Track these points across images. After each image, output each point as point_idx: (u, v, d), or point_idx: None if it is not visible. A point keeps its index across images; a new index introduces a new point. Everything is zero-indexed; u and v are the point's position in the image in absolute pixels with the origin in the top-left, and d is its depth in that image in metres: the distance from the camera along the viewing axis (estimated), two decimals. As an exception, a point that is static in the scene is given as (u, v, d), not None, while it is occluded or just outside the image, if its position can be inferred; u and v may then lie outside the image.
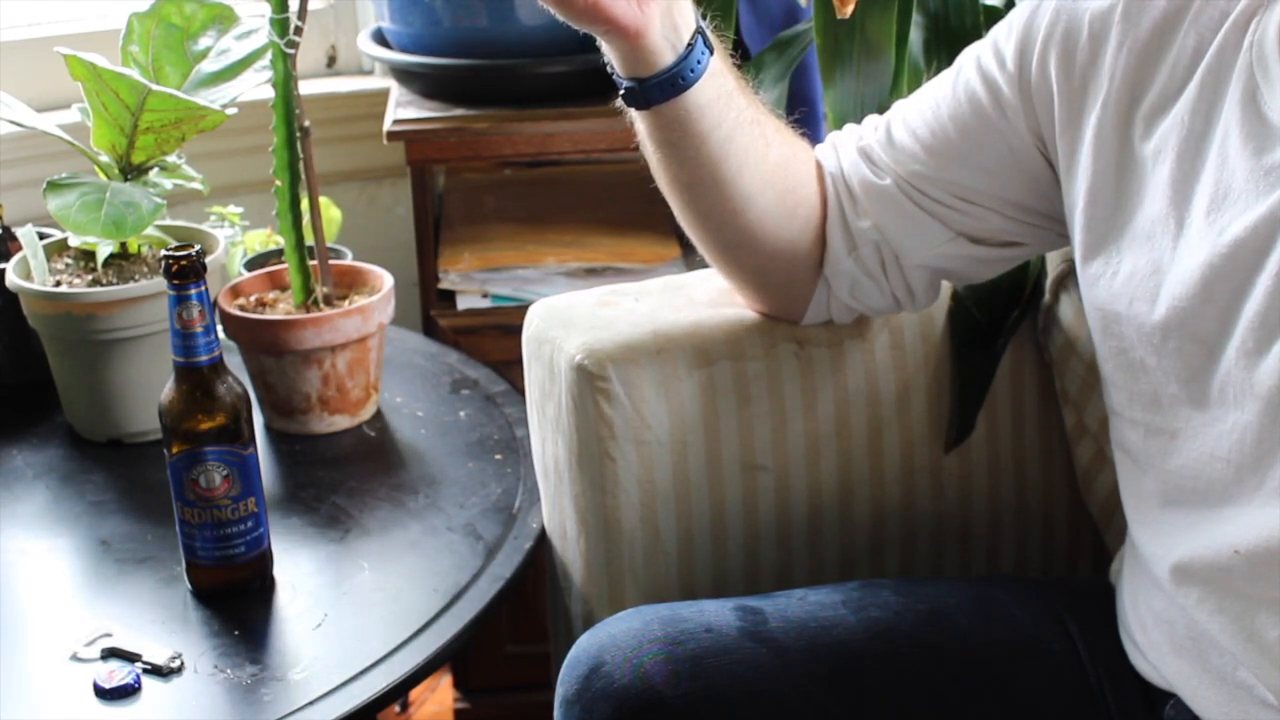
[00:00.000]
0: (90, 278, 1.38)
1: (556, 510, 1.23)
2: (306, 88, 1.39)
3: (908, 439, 1.23)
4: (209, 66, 1.40)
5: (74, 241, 1.42)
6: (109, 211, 1.29)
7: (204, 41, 1.41)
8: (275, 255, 1.57)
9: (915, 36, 1.28)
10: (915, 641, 1.04)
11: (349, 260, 1.52)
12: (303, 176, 1.38)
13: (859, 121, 1.17)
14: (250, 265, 1.56)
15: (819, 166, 1.14)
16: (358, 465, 1.36)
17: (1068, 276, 1.23)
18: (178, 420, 1.12)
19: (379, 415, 1.44)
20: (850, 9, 1.09)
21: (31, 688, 1.06)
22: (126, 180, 1.37)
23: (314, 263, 1.41)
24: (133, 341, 1.35)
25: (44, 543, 1.26)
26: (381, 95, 1.86)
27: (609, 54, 1.04)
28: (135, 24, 1.39)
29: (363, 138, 1.97)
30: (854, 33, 1.26)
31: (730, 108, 1.06)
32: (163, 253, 1.10)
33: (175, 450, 1.12)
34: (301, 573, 1.20)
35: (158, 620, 1.13)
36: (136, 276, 1.38)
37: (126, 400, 1.38)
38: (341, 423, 1.41)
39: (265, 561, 1.17)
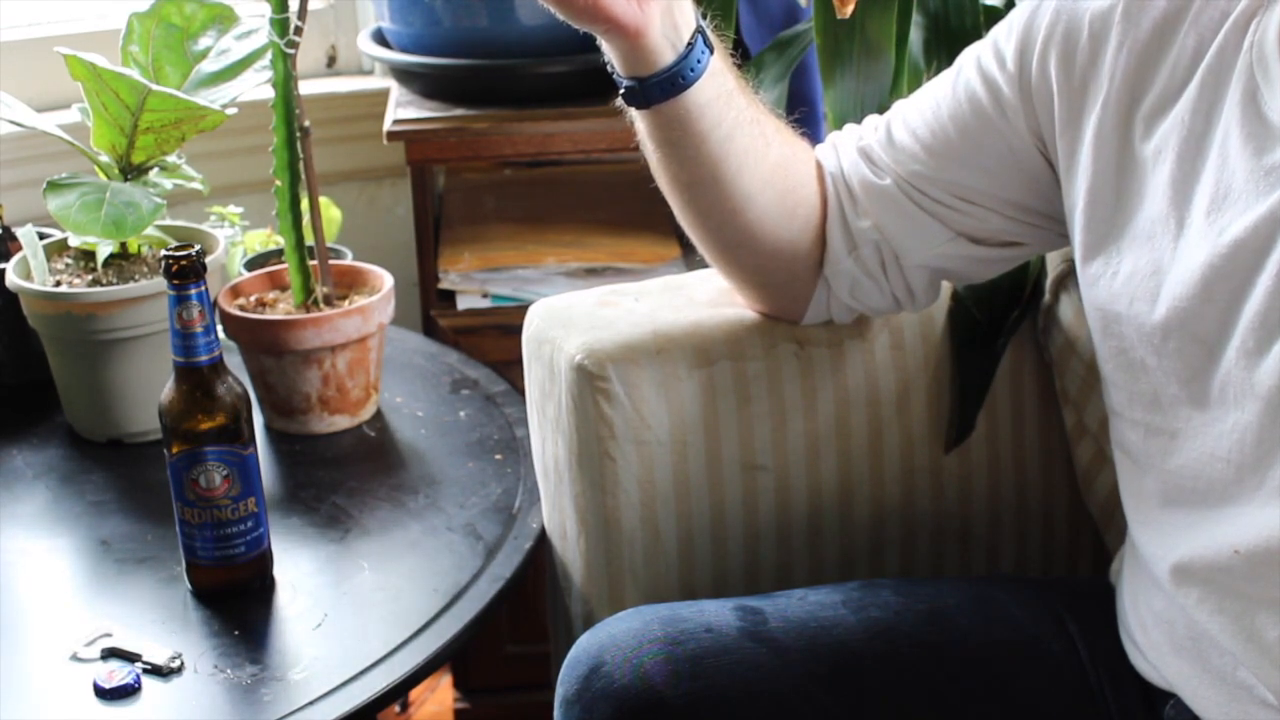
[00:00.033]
0: (90, 278, 1.38)
1: (556, 510, 1.23)
2: (306, 88, 1.39)
3: (908, 439, 1.23)
4: (209, 66, 1.40)
5: (74, 241, 1.42)
6: (109, 211, 1.29)
7: (204, 41, 1.41)
8: (275, 255, 1.57)
9: (915, 36, 1.28)
10: (915, 641, 1.04)
11: (349, 260, 1.52)
12: (303, 176, 1.38)
13: (859, 121, 1.17)
14: (250, 265, 1.56)
15: (819, 166, 1.14)
16: (358, 465, 1.36)
17: (1068, 276, 1.23)
18: (178, 420, 1.12)
19: (379, 415, 1.44)
20: (850, 9, 1.09)
21: (31, 688, 1.06)
22: (126, 180, 1.37)
23: (314, 263, 1.41)
24: (133, 341, 1.35)
25: (44, 543, 1.26)
26: (381, 95, 1.86)
27: (609, 53, 1.04)
28: (135, 24, 1.39)
29: (363, 138, 1.97)
30: (854, 33, 1.26)
31: (730, 107, 1.06)
32: (163, 253, 1.10)
33: (175, 450, 1.12)
34: (301, 573, 1.20)
35: (158, 620, 1.13)
36: (136, 276, 1.38)
37: (126, 400, 1.38)
38: (341, 423, 1.41)
39: (265, 561, 1.17)
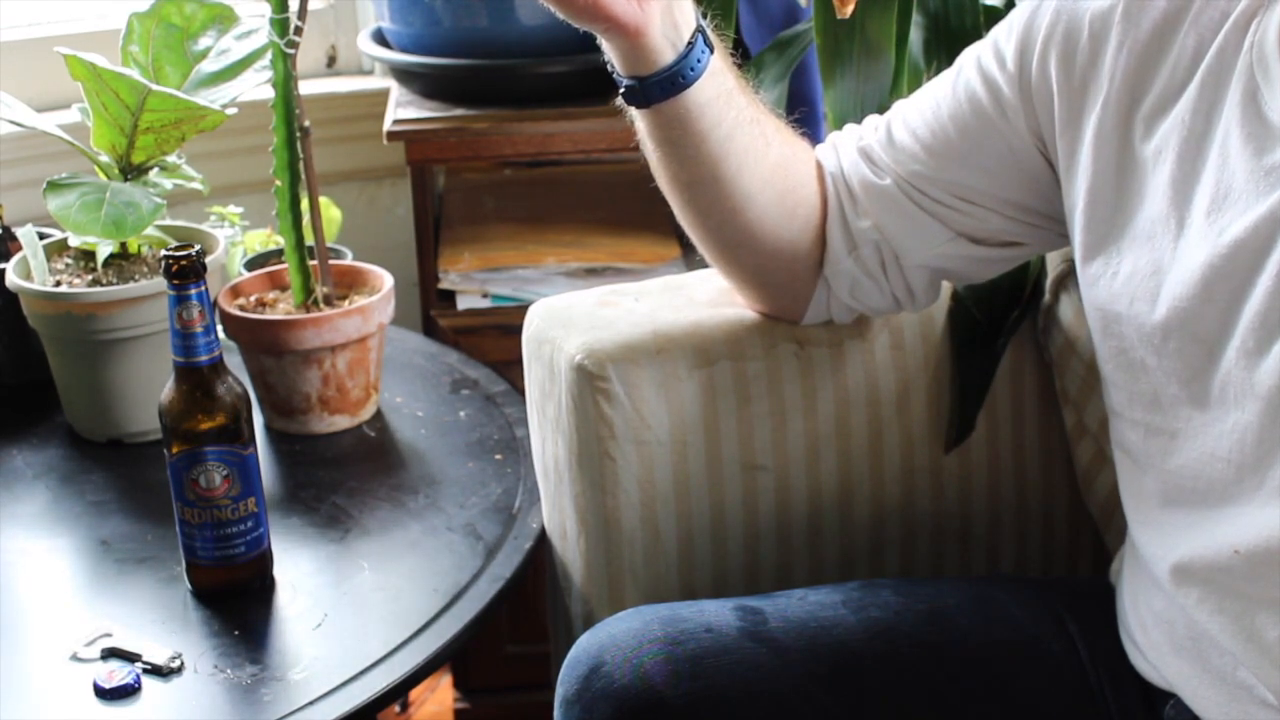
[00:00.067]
0: (90, 278, 1.38)
1: (556, 510, 1.23)
2: (306, 88, 1.39)
3: (908, 439, 1.23)
4: (209, 66, 1.40)
5: (74, 241, 1.42)
6: (109, 211, 1.29)
7: (204, 41, 1.41)
8: (275, 255, 1.57)
9: (915, 36, 1.28)
10: (915, 641, 1.04)
11: (349, 260, 1.52)
12: (303, 176, 1.38)
13: (859, 121, 1.17)
14: (250, 265, 1.56)
15: (819, 166, 1.14)
16: (358, 465, 1.36)
17: (1068, 276, 1.23)
18: (178, 420, 1.12)
19: (379, 415, 1.44)
20: (850, 9, 1.09)
21: (31, 688, 1.06)
22: (126, 180, 1.37)
23: (314, 263, 1.41)
24: (133, 341, 1.35)
25: (44, 543, 1.26)
26: (381, 95, 1.86)
27: (609, 52, 1.04)
28: (135, 24, 1.39)
29: (363, 138, 1.97)
30: (854, 33, 1.26)
31: (730, 106, 1.06)
32: (163, 253, 1.10)
33: (175, 450, 1.12)
34: (301, 573, 1.20)
35: (158, 620, 1.13)
36: (136, 276, 1.38)
37: (126, 400, 1.38)
38: (341, 423, 1.41)
39: (265, 561, 1.17)
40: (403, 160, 1.72)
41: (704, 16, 1.05)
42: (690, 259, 1.67)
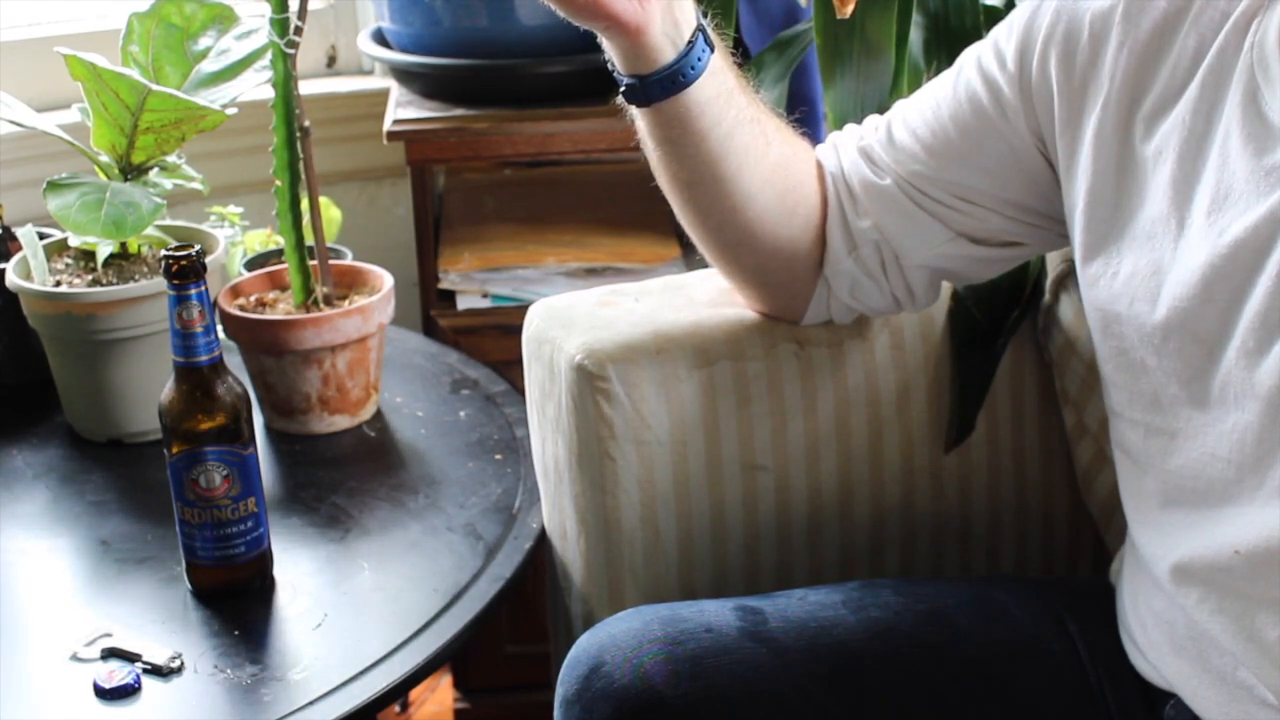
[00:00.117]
0: (90, 278, 1.38)
1: (556, 510, 1.23)
2: (306, 88, 1.39)
3: (908, 439, 1.23)
4: (209, 66, 1.40)
5: (74, 241, 1.42)
6: (109, 211, 1.29)
7: (204, 41, 1.41)
8: (275, 255, 1.57)
9: (915, 36, 1.28)
10: (915, 641, 1.04)
11: (349, 260, 1.52)
12: (303, 176, 1.38)
13: (859, 121, 1.17)
14: (250, 265, 1.56)
15: (819, 166, 1.14)
16: (358, 465, 1.36)
17: (1068, 276, 1.23)
18: (178, 420, 1.12)
19: (379, 415, 1.44)
20: (850, 9, 1.09)
21: (31, 688, 1.06)
22: (126, 180, 1.37)
23: (314, 263, 1.41)
24: (133, 341, 1.35)
25: (44, 543, 1.26)
26: (381, 95, 1.86)
27: (610, 51, 1.04)
28: (135, 24, 1.39)
29: (363, 138, 1.97)
30: (854, 33, 1.26)
31: (730, 106, 1.06)
32: (163, 253, 1.10)
33: (175, 450, 1.12)
34: (301, 573, 1.20)
35: (158, 620, 1.13)
36: (136, 276, 1.38)
37: (126, 400, 1.38)
38: (341, 423, 1.41)
39: (265, 561, 1.17)
40: (403, 160, 1.72)
41: (704, 16, 1.05)
42: (690, 259, 1.67)
